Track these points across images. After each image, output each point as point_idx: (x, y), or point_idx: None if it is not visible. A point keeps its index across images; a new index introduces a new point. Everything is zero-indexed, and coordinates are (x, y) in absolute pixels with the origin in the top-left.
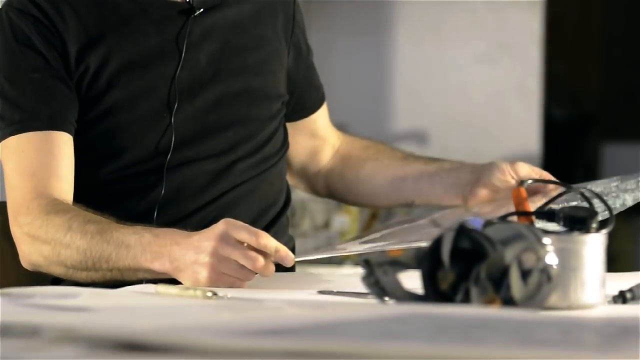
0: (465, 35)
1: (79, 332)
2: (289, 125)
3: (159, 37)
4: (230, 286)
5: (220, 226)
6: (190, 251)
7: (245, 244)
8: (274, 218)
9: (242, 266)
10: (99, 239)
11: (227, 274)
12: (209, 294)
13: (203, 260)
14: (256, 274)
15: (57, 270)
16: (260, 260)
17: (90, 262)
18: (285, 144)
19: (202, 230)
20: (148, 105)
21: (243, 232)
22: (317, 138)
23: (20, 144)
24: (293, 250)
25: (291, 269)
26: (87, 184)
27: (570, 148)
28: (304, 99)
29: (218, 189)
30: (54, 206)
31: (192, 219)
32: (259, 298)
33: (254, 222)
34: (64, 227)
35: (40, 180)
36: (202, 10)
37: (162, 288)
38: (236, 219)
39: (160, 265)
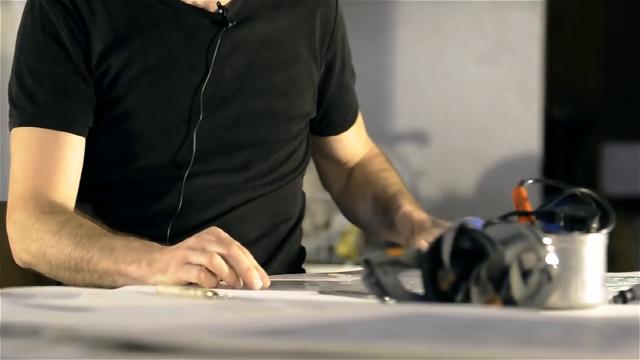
0: (465, 35)
1: (79, 332)
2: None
3: (187, 46)
4: (198, 280)
5: (201, 233)
6: (168, 254)
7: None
8: (287, 234)
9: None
10: (87, 241)
11: (193, 269)
12: (209, 294)
13: (176, 257)
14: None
15: (43, 269)
16: (224, 269)
17: (72, 262)
18: (304, 160)
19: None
20: (166, 114)
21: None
22: (336, 158)
23: (29, 138)
24: (302, 259)
25: (300, 270)
26: (98, 183)
27: (570, 148)
28: (331, 117)
29: (227, 203)
30: (50, 207)
31: (200, 230)
32: (259, 298)
33: (263, 237)
34: (56, 228)
35: (42, 180)
36: (234, 22)
37: (162, 288)
38: (245, 233)
39: (136, 268)
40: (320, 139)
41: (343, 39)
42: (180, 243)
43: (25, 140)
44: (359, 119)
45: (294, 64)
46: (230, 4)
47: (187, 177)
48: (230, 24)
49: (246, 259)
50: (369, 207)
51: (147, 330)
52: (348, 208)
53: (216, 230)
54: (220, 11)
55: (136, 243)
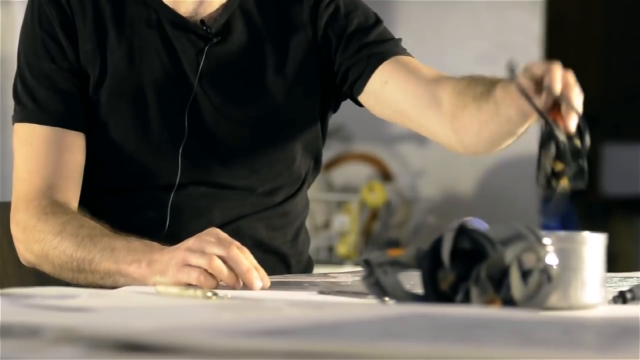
0: (465, 35)
1: (79, 332)
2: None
3: (170, 59)
4: (198, 282)
5: (201, 234)
6: (167, 255)
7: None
8: (288, 249)
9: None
10: (88, 242)
11: (193, 271)
12: (209, 294)
13: (175, 258)
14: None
15: (47, 269)
16: (224, 271)
17: (75, 263)
18: (306, 174)
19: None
20: (148, 125)
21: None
22: (393, 110)
23: (31, 135)
24: (310, 266)
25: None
26: (91, 188)
27: None
28: (346, 77)
29: (217, 216)
30: (52, 208)
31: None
32: (259, 298)
33: (260, 251)
34: (57, 229)
35: (45, 179)
36: (219, 38)
37: (162, 288)
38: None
39: (136, 268)
40: (380, 104)
41: (337, 14)
42: (180, 244)
43: (26, 137)
44: (401, 60)
45: (282, 74)
46: (214, 18)
47: (175, 188)
48: (215, 40)
49: (245, 259)
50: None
51: (147, 330)
52: (467, 133)
53: (215, 231)
54: (204, 27)
55: (136, 243)
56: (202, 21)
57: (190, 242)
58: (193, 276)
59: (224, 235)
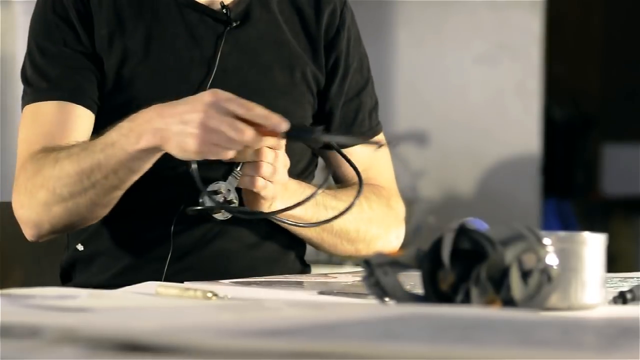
0: (465, 35)
1: (79, 332)
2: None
3: (189, 43)
4: (217, 156)
5: (207, 96)
6: (176, 121)
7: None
8: (289, 242)
9: (230, 137)
10: (85, 154)
11: (214, 144)
12: (209, 294)
13: (191, 131)
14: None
15: (58, 210)
16: (248, 131)
17: (85, 178)
18: (310, 166)
19: (188, 98)
20: None
21: (233, 103)
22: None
23: (38, 111)
24: (307, 270)
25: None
26: None
27: (570, 148)
28: (330, 129)
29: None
30: (44, 151)
31: (206, 220)
32: (259, 298)
33: (264, 242)
34: (53, 162)
35: (47, 144)
36: (238, 22)
37: (162, 289)
38: (245, 236)
39: (146, 142)
40: (327, 157)
41: (348, 46)
42: (187, 115)
43: (34, 113)
44: (378, 154)
45: (295, 65)
46: (233, 4)
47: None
48: (234, 24)
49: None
50: None
51: (147, 331)
52: None
53: (216, 106)
54: (224, 10)
55: (125, 124)
56: (222, 4)
57: (199, 119)
58: (214, 150)
59: (221, 106)
